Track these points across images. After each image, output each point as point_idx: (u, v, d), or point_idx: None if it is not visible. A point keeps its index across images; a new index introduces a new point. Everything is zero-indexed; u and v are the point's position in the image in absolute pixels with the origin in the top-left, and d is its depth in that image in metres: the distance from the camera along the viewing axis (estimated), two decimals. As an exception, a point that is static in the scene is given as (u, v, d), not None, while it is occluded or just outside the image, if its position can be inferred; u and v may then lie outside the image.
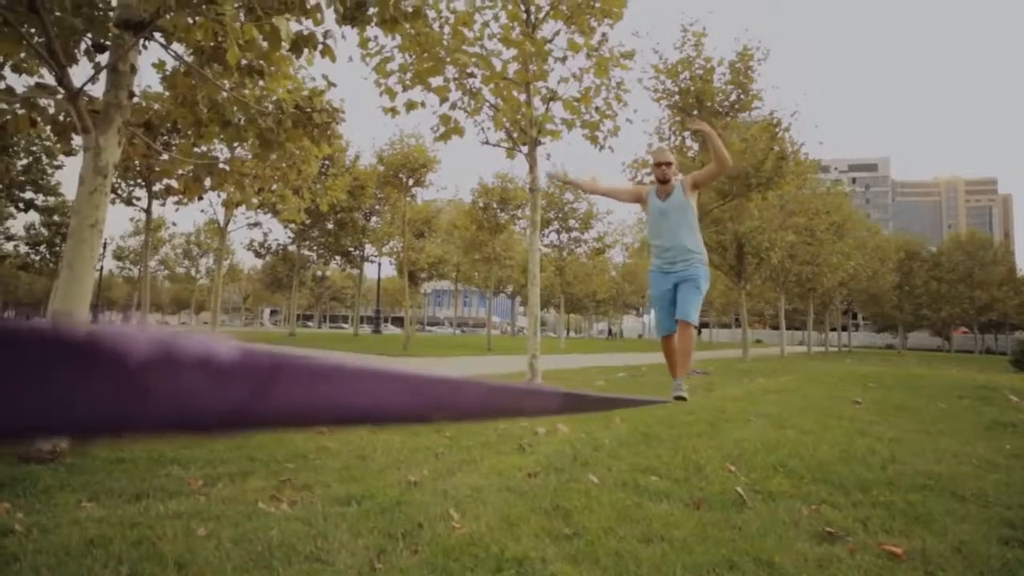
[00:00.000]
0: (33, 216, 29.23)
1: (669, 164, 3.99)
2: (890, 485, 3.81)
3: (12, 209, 23.41)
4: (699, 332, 16.07)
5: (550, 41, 9.39)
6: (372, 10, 5.39)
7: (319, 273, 37.58)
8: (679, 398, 3.82)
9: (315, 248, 29.28)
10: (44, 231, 32.91)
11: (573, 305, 48.09)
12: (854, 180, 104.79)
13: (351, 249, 29.04)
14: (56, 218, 31.27)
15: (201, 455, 4.21)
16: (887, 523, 3.15)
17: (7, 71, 5.37)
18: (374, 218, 28.15)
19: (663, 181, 3.99)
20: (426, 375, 0.41)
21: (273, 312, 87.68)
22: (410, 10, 5.55)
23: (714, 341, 63.69)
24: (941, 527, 3.09)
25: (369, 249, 29.77)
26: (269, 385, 0.30)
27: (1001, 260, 50.33)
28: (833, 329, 51.54)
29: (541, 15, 9.36)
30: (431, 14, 8.99)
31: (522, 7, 9.26)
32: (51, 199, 25.78)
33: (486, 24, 9.30)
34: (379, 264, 32.91)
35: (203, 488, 3.54)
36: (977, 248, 49.07)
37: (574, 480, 3.84)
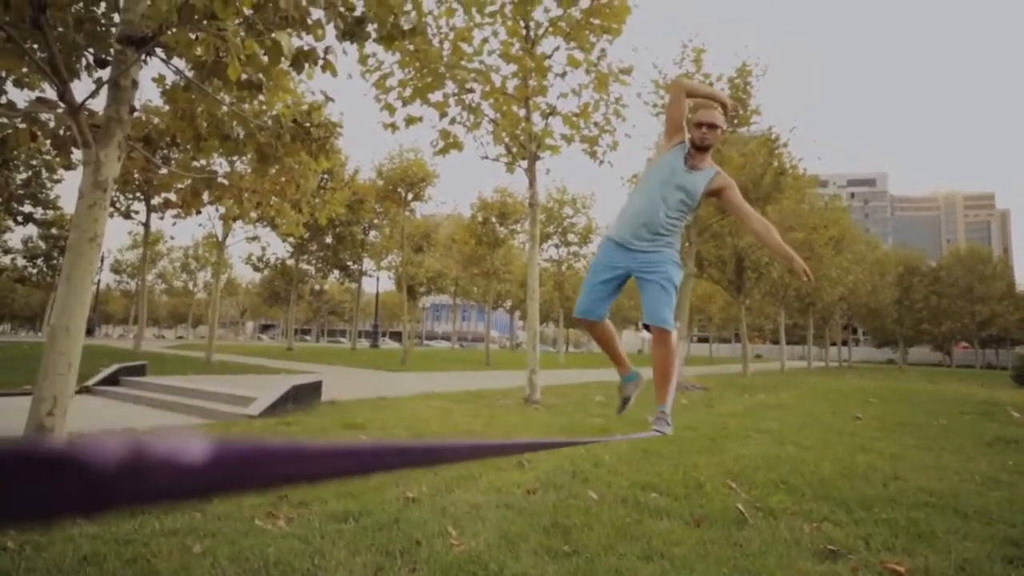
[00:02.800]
0: (31, 229, 29.28)
1: (714, 128, 2.89)
2: (892, 502, 3.78)
3: (10, 222, 23.42)
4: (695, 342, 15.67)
5: (549, 57, 9.46)
6: (372, 26, 5.43)
7: (317, 287, 37.55)
8: (657, 431, 2.76)
9: (313, 262, 29.28)
10: (42, 244, 32.98)
11: (572, 319, 48.00)
12: (852, 195, 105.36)
13: (350, 263, 29.04)
14: (54, 231, 31.36)
15: (197, 471, 4.17)
16: (889, 541, 3.12)
17: (9, 85, 5.41)
18: (373, 232, 28.19)
19: (701, 147, 2.92)
20: (405, 444, 0.41)
21: (266, 327, 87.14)
22: (409, 27, 5.59)
23: (714, 356, 63.53)
24: (944, 545, 3.05)
25: (368, 263, 29.78)
26: (245, 471, 0.30)
27: (1000, 275, 50.41)
28: (833, 344, 51.48)
29: (540, 31, 9.44)
30: (430, 30, 9.08)
31: (522, 23, 9.35)
32: (50, 212, 25.84)
33: (485, 40, 9.39)
34: (377, 278, 32.92)
35: (198, 504, 3.50)
36: (976, 262, 49.16)
37: (573, 497, 3.80)
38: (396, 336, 73.91)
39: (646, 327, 2.94)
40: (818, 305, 31.29)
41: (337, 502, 3.60)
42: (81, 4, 4.99)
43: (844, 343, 55.05)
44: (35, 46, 4.88)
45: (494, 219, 25.11)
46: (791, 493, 3.96)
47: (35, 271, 33.94)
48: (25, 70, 5.17)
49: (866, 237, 41.57)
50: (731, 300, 25.80)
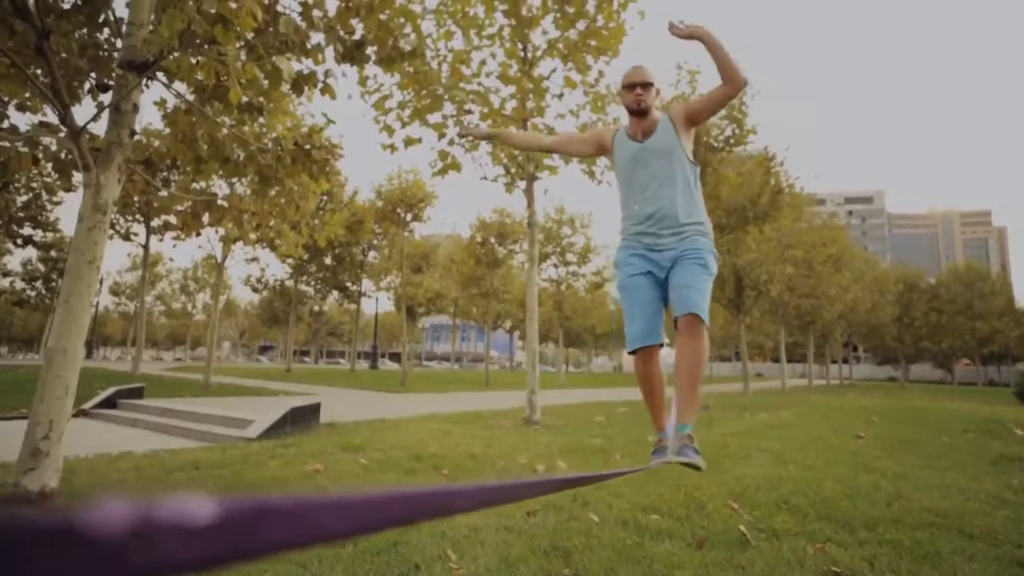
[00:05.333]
0: (30, 251, 29.33)
1: (647, 86, 2.57)
2: (896, 522, 3.73)
3: (10, 245, 23.46)
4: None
5: (547, 78, 9.57)
6: (371, 49, 5.50)
7: (316, 308, 37.50)
8: (688, 464, 2.25)
9: (313, 283, 29.29)
10: (41, 266, 33.01)
11: (572, 339, 47.94)
12: (850, 212, 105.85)
13: (349, 284, 29.05)
14: (53, 253, 31.41)
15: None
16: (894, 562, 3.07)
17: (11, 109, 5.46)
18: (372, 253, 28.25)
19: (638, 112, 2.58)
20: (410, 491, 0.41)
21: (265, 349, 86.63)
22: (408, 49, 5.66)
23: (714, 375, 63.32)
24: (950, 566, 3.01)
25: (367, 284, 29.79)
26: (254, 530, 0.29)
27: (1000, 291, 50.44)
28: (834, 362, 51.36)
29: (538, 53, 9.56)
30: (429, 52, 9.19)
31: (519, 45, 9.47)
32: (49, 235, 25.90)
33: (484, 62, 9.50)
34: (376, 299, 32.91)
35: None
36: (975, 279, 49.21)
37: (574, 519, 3.75)
38: (395, 357, 73.67)
39: (675, 322, 2.45)
40: (818, 323, 31.26)
41: (335, 526, 3.55)
42: (85, 30, 5.06)
43: (845, 361, 54.92)
44: (38, 71, 4.93)
45: (493, 239, 25.18)
46: (794, 514, 3.91)
47: (34, 294, 33.93)
48: (28, 94, 5.22)
49: (865, 255, 41.68)
50: (731, 318, 25.76)
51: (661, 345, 2.50)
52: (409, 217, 21.58)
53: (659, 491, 4.48)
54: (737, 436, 7.94)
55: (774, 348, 43.53)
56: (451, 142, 9.89)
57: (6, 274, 31.73)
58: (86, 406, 9.09)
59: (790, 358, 47.70)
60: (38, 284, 33.69)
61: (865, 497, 4.38)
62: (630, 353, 2.52)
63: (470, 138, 2.93)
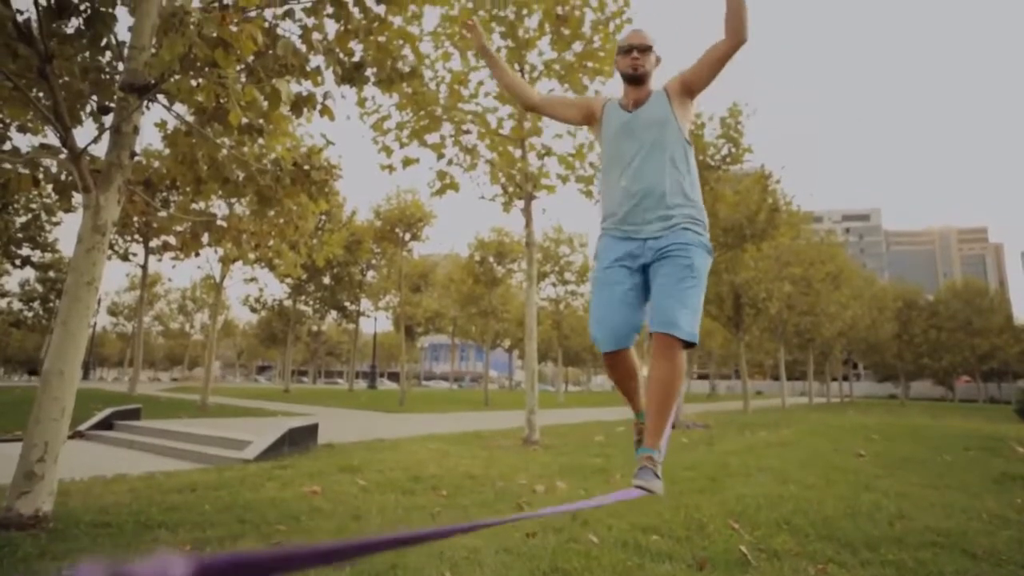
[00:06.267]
0: (28, 272, 29.31)
1: (645, 50, 2.36)
2: (899, 542, 3.70)
3: (8, 265, 23.46)
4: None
5: (544, 99, 9.65)
6: (370, 71, 5.56)
7: (315, 328, 37.43)
8: (641, 487, 2.08)
9: (311, 303, 29.28)
10: (39, 287, 32.98)
11: (571, 358, 47.84)
12: (848, 230, 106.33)
13: (347, 304, 29.04)
14: (51, 274, 31.40)
15: (189, 518, 4.08)
16: (898, 583, 3.04)
17: (12, 131, 5.50)
18: (371, 272, 28.28)
19: (634, 79, 2.37)
20: (396, 536, 0.42)
21: (263, 369, 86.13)
22: (407, 70, 5.72)
23: (717, 392, 63.05)
24: (954, 587, 2.98)
25: (365, 303, 29.78)
26: None
27: (998, 308, 50.50)
28: (834, 379, 51.20)
29: (535, 74, 9.67)
30: (428, 74, 9.29)
31: (516, 66, 9.58)
32: (48, 255, 25.91)
33: (481, 83, 9.60)
34: (375, 319, 32.88)
35: (192, 553, 3.41)
36: (973, 296, 49.29)
37: (573, 540, 3.72)
38: (394, 377, 73.40)
39: (649, 335, 2.19)
40: (818, 340, 31.23)
41: (332, 548, 3.51)
42: (87, 54, 5.12)
43: (845, 378, 54.76)
44: (40, 94, 4.98)
45: (491, 259, 25.24)
46: (795, 534, 3.88)
47: (31, 314, 33.85)
48: (29, 117, 5.27)
49: (863, 272, 41.79)
50: (730, 336, 25.74)
51: (628, 348, 2.27)
52: (408, 237, 21.65)
53: (659, 511, 4.44)
54: (737, 455, 7.89)
55: (774, 366, 43.44)
56: (450, 162, 9.97)
57: (3, 294, 31.69)
58: (82, 427, 9.02)
59: (790, 376, 47.57)
60: (35, 305, 33.63)
61: (867, 516, 4.34)
62: (605, 354, 2.30)
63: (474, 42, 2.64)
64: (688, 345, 2.12)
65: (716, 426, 13.72)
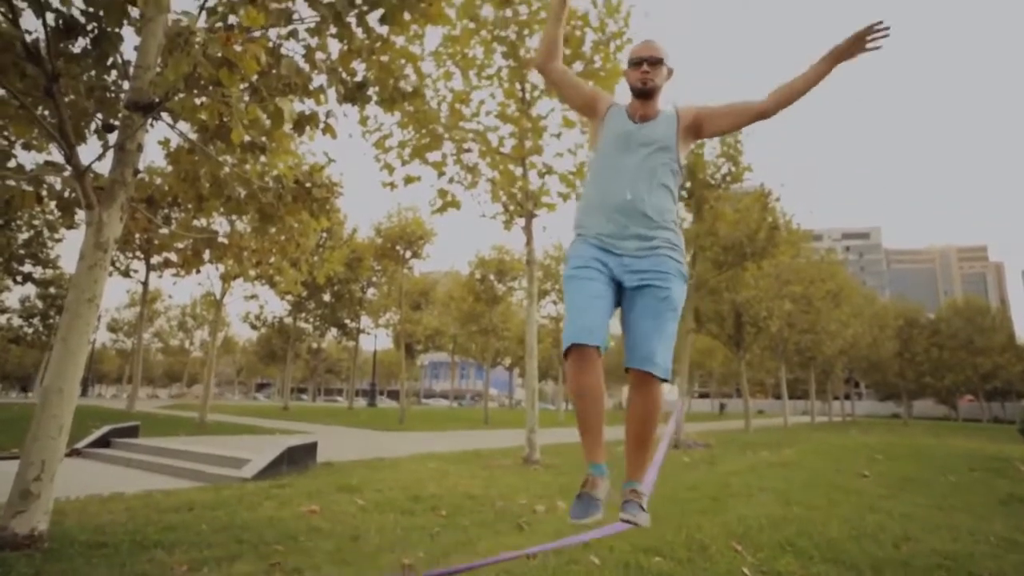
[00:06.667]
0: (29, 288, 29.31)
1: (656, 63, 2.25)
2: (905, 565, 3.65)
3: (9, 281, 23.48)
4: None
5: (545, 118, 9.74)
6: (372, 90, 5.61)
7: (315, 345, 37.35)
8: (627, 520, 2.10)
9: (311, 320, 29.25)
10: (39, 303, 32.96)
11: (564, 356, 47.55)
12: (848, 248, 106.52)
13: (348, 321, 29.00)
14: (52, 290, 31.40)
15: (186, 538, 4.03)
16: (905, 607, 2.99)
17: (17, 148, 5.53)
18: (371, 290, 28.29)
19: (643, 93, 2.26)
20: None
21: (262, 386, 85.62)
22: (409, 90, 5.77)
23: (714, 412, 62.68)
24: (962, 611, 2.93)
25: (366, 321, 29.75)
26: None
27: (1000, 327, 50.35)
28: (836, 398, 50.92)
29: (536, 93, 9.75)
30: (429, 93, 9.37)
31: (518, 85, 9.67)
32: (49, 271, 25.94)
33: (483, 102, 9.68)
34: (375, 336, 32.85)
35: (188, 573, 3.37)
36: (975, 314, 49.16)
37: (574, 561, 3.67)
38: (394, 395, 73.07)
39: (625, 369, 2.11)
40: (819, 359, 31.13)
41: (332, 568, 3.47)
42: (93, 72, 5.17)
43: (847, 397, 54.45)
44: (46, 112, 5.02)
45: (492, 276, 25.26)
46: (798, 556, 3.82)
47: (31, 331, 33.80)
48: (35, 133, 5.30)
49: (864, 290, 41.76)
50: (731, 355, 25.67)
51: (599, 350, 2.03)
52: (408, 254, 21.70)
53: (660, 532, 4.39)
54: (739, 475, 7.82)
55: (775, 385, 43.24)
56: (451, 180, 10.02)
57: (3, 311, 31.67)
58: (79, 445, 8.96)
59: (791, 395, 47.35)
60: (35, 321, 33.59)
61: (871, 538, 4.28)
62: (565, 354, 2.05)
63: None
64: (663, 380, 2.08)
65: (717, 445, 13.62)
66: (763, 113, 2.19)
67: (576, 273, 2.15)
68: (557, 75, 2.46)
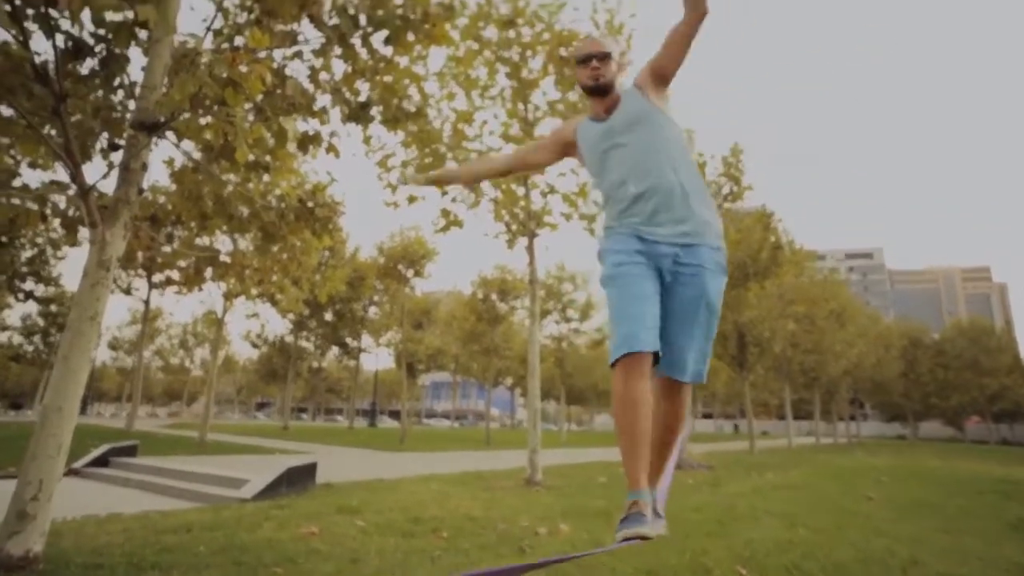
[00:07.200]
0: (30, 306, 29.36)
1: (604, 57, 2.13)
2: (915, 590, 3.58)
3: (11, 299, 23.53)
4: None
5: (547, 139, 9.78)
6: (376, 110, 5.66)
7: (316, 365, 37.26)
8: (636, 537, 1.68)
9: (313, 339, 29.20)
10: (40, 321, 32.97)
11: (574, 397, 47.38)
12: (851, 268, 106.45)
13: (349, 340, 28.95)
14: (53, 308, 31.43)
15: (184, 560, 3.98)
16: (916, 634, 2.92)
17: (23, 167, 5.57)
18: (373, 309, 28.28)
19: (597, 91, 2.15)
20: None
21: (262, 405, 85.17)
22: (412, 110, 5.82)
23: (720, 432, 62.20)
24: (975, 639, 2.86)
25: (367, 340, 29.69)
26: None
27: (1005, 347, 50.07)
28: (841, 419, 50.52)
29: (539, 113, 9.82)
30: (432, 113, 9.45)
31: (521, 106, 9.74)
32: (51, 289, 25.99)
33: (485, 122, 9.76)
34: (377, 355, 32.78)
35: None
36: (980, 335, 48.95)
37: (577, 586, 3.60)
38: (395, 414, 72.68)
39: (660, 371, 1.93)
40: (823, 379, 30.94)
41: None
42: (100, 93, 5.22)
43: (852, 418, 54.02)
44: (52, 132, 5.06)
45: (494, 296, 25.25)
46: (807, 581, 3.76)
47: (31, 348, 33.77)
48: (41, 152, 5.34)
49: (867, 310, 41.64)
50: (735, 375, 25.54)
51: (657, 356, 1.82)
52: (410, 273, 21.72)
53: (664, 555, 4.32)
54: (744, 497, 7.72)
55: (779, 405, 42.94)
56: (453, 200, 10.06)
57: (4, 328, 31.68)
58: (77, 464, 8.89)
59: (796, 415, 46.98)
60: (36, 339, 33.57)
61: (879, 563, 4.21)
62: (612, 365, 1.79)
63: (412, 183, 2.43)
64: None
65: (721, 467, 13.48)
66: (693, 19, 1.96)
67: (617, 272, 1.93)
68: (519, 165, 2.42)
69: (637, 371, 1.77)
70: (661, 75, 2.09)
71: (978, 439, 59.61)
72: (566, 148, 2.30)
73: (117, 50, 4.82)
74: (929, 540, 5.09)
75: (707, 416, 75.76)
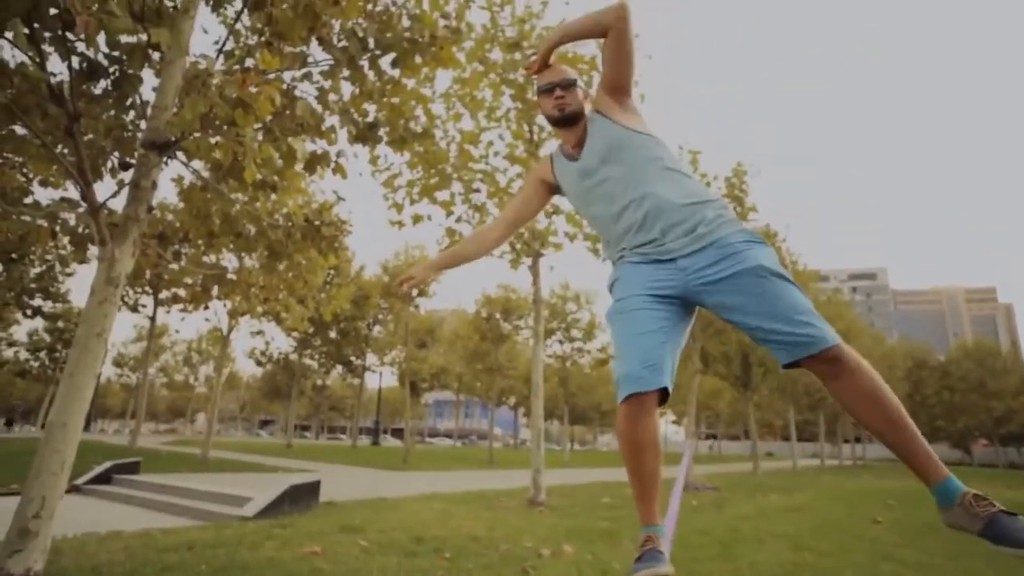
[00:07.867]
0: (37, 322, 29.49)
1: (568, 86, 2.04)
2: (923, 616, 3.53)
3: (19, 315, 23.65)
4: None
5: (552, 159, 9.87)
6: (383, 130, 5.73)
7: (319, 382, 37.20)
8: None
9: (317, 357, 29.20)
10: (47, 337, 33.09)
11: (577, 416, 47.12)
12: (855, 289, 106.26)
13: (353, 358, 28.94)
14: (60, 324, 31.56)
15: (184, 578, 3.96)
16: (925, 661, 2.88)
17: (34, 185, 5.66)
18: (377, 327, 28.30)
19: (562, 121, 2.05)
20: None
21: (265, 423, 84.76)
22: (419, 130, 5.89)
23: (724, 453, 61.64)
24: (985, 666, 2.82)
25: (371, 358, 29.67)
26: None
27: (1012, 369, 49.62)
28: (846, 441, 50.02)
29: (544, 134, 9.92)
30: (439, 133, 9.56)
31: (526, 127, 9.85)
32: (59, 306, 26.12)
33: (491, 143, 9.86)
34: (380, 374, 32.66)
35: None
36: (985, 356, 48.52)
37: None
38: (398, 433, 72.32)
39: (790, 365, 1.72)
40: (828, 400, 30.71)
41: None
42: (112, 112, 5.31)
43: (857, 440, 53.51)
44: (65, 151, 5.14)
45: (498, 315, 25.27)
46: (814, 605, 3.71)
47: (37, 364, 33.85)
48: (53, 170, 5.42)
49: (871, 331, 41.45)
50: (739, 396, 25.38)
51: (664, 393, 1.70)
52: (415, 292, 21.76)
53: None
54: (749, 520, 7.65)
55: (784, 427, 42.62)
56: (459, 220, 10.13)
57: (11, 344, 31.79)
58: (79, 481, 8.87)
59: (801, 437, 46.57)
60: (42, 355, 33.67)
61: (888, 587, 4.16)
62: (621, 403, 1.72)
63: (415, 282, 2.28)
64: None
65: (726, 488, 13.35)
66: (613, 37, 1.91)
67: (619, 307, 1.83)
68: (513, 226, 2.27)
69: (641, 411, 1.70)
70: (614, 87, 1.99)
71: (986, 463, 58.86)
72: (550, 189, 2.21)
73: (131, 71, 4.91)
74: (939, 566, 5.02)
75: (711, 436, 75.09)
